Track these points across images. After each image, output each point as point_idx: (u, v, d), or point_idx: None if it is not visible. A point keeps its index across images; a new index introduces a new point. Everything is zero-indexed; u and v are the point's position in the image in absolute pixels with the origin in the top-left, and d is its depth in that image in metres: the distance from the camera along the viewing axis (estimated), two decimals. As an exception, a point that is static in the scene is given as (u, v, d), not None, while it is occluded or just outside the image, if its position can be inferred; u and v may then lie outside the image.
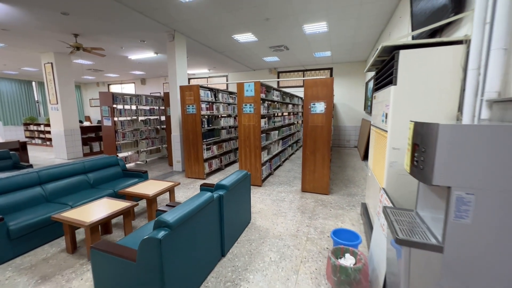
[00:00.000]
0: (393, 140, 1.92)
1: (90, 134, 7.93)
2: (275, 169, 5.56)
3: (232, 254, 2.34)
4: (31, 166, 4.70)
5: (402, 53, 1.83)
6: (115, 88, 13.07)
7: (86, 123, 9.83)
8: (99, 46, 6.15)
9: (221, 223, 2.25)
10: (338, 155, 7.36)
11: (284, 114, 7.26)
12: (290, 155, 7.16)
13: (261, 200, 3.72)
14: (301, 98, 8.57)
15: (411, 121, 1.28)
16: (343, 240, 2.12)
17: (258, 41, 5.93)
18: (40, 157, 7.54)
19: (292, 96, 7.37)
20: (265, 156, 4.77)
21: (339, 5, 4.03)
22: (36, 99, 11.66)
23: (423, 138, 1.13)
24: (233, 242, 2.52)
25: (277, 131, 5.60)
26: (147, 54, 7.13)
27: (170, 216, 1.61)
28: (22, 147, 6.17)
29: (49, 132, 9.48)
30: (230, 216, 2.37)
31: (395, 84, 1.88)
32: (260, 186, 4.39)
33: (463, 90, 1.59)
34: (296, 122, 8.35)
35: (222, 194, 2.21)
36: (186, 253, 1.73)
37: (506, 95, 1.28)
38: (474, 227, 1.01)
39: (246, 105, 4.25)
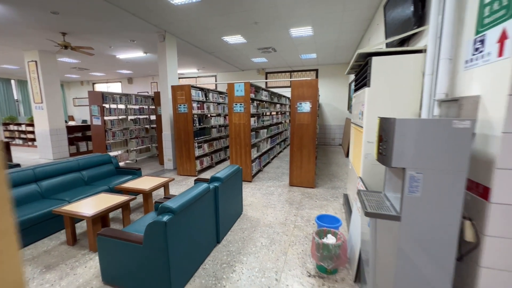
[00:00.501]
0: (367, 134, 2.21)
1: (77, 134, 7.81)
2: (264, 166, 5.80)
3: (227, 241, 2.55)
4: (18, 165, 4.65)
5: (374, 59, 2.12)
6: (100, 87, 12.80)
7: (71, 123, 9.62)
8: (88, 45, 6.12)
9: (216, 212, 2.45)
10: (324, 152, 7.73)
11: (273, 113, 7.52)
12: (278, 153, 7.43)
13: (251, 194, 3.95)
14: (288, 98, 8.88)
15: (379, 117, 1.55)
16: (326, 223, 2.39)
17: (247, 42, 6.15)
18: (23, 157, 7.34)
19: (280, 96, 7.65)
20: (254, 153, 5.00)
21: (322, 12, 4.34)
22: (15, 98, 11.21)
23: (385, 131, 1.40)
24: (227, 230, 2.73)
25: (266, 130, 5.85)
26: (136, 54, 7.14)
27: (173, 203, 1.80)
28: (6, 147, 6.01)
29: (31, 132, 9.19)
30: (224, 206, 2.58)
31: (369, 86, 2.17)
32: (251, 181, 4.62)
33: (422, 91, 1.90)
34: (284, 121, 8.64)
35: (217, 186, 2.42)
36: (187, 237, 1.93)
37: (452, 96, 1.58)
38: (422, 199, 1.29)
39: (236, 104, 4.45)
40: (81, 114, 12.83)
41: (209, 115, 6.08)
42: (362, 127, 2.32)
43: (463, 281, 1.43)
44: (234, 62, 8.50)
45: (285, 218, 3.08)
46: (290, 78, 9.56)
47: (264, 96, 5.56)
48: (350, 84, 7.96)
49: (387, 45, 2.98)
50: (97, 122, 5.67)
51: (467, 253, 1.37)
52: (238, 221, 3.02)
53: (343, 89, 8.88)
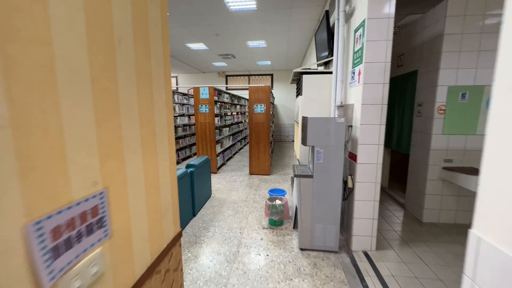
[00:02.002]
0: (301, 128, 3.15)
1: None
2: (227, 160, 6.53)
3: (201, 214, 3.23)
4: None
5: (304, 76, 3.07)
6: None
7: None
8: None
9: (192, 191, 3.11)
10: (279, 148, 8.83)
11: (233, 113, 8.27)
12: (239, 149, 8.23)
13: (217, 182, 4.65)
14: (246, 99, 9.74)
15: (302, 116, 2.46)
16: (275, 194, 3.27)
17: (209, 49, 6.78)
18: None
19: (239, 98, 8.45)
20: (218, 149, 5.69)
21: (272, 30, 5.28)
22: None
23: (304, 124, 2.30)
24: (200, 207, 3.40)
25: (228, 128, 6.58)
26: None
27: (163, 180, 2.42)
28: None
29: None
30: (198, 187, 3.25)
31: (302, 95, 3.12)
32: (216, 173, 5.30)
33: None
34: (243, 121, 9.48)
35: (193, 170, 3.08)
36: (173, 206, 2.56)
37: (344, 103, 2.59)
38: (323, 163, 2.22)
39: (202, 105, 5.09)
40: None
41: (174, 115, 6.52)
42: (298, 123, 3.27)
43: (347, 210, 2.44)
44: (195, 65, 8.98)
45: (246, 196, 3.89)
46: (249, 81, 10.46)
47: (225, 98, 6.28)
48: (299, 88, 9.22)
49: (317, 64, 4.03)
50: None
51: (349, 195, 2.37)
52: (208, 201, 3.71)
53: (295, 92, 10.14)
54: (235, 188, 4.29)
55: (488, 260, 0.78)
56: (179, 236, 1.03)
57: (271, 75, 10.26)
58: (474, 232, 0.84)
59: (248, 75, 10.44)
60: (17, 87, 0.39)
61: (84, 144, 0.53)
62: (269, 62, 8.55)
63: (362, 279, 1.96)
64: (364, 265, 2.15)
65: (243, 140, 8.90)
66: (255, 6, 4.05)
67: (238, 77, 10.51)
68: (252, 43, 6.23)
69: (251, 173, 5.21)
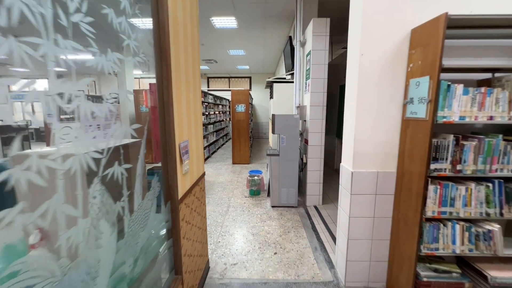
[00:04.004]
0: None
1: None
2: (212, 153, 7.41)
3: (196, 191, 4.14)
4: None
5: (275, 85, 4.12)
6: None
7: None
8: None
9: (190, 172, 4.00)
10: (258, 143, 9.87)
11: (216, 112, 9.14)
12: (222, 145, 9.12)
13: (206, 170, 5.55)
14: (227, 99, 10.65)
15: (272, 114, 3.49)
16: (254, 173, 4.28)
17: (194, 55, 7.58)
18: None
19: (221, 98, 9.34)
20: (205, 143, 6.56)
21: (250, 43, 6.28)
22: None
23: (273, 120, 3.33)
24: (195, 186, 4.30)
25: (212, 125, 7.45)
26: (85, 56, 7.51)
27: (171, 161, 3.31)
28: None
29: None
30: (193, 170, 4.15)
31: (273, 98, 4.16)
32: (204, 163, 6.18)
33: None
34: (225, 119, 10.36)
35: (190, 156, 3.98)
36: (178, 181, 3.45)
37: (301, 105, 3.67)
38: (286, 146, 3.27)
39: (190, 105, 5.93)
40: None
41: (163, 114, 7.22)
42: (271, 119, 4.31)
43: (303, 178, 3.53)
44: (179, 67, 9.66)
45: (231, 179, 4.85)
46: (229, 83, 11.35)
47: (210, 99, 7.15)
48: (275, 90, 10.33)
49: (286, 74, 5.11)
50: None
51: (304, 167, 3.46)
52: (200, 183, 4.61)
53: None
54: (221, 174, 5.23)
55: (343, 173, 1.86)
56: (203, 174, 1.99)
57: (250, 77, 11.26)
58: (341, 164, 1.92)
59: (228, 78, 11.34)
60: (179, 104, 1.34)
61: (185, 120, 1.48)
62: (247, 67, 9.55)
63: (310, 218, 3.05)
64: (313, 212, 3.24)
65: (225, 137, 9.79)
66: (236, 25, 5.02)
67: (219, 79, 11.36)
68: (232, 51, 7.18)
69: (234, 163, 6.17)
